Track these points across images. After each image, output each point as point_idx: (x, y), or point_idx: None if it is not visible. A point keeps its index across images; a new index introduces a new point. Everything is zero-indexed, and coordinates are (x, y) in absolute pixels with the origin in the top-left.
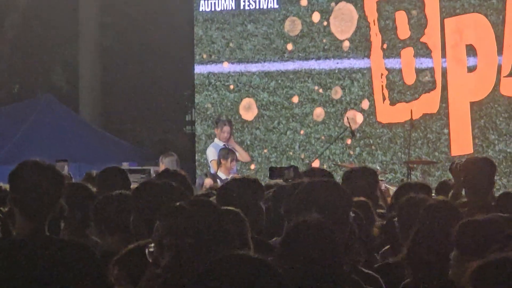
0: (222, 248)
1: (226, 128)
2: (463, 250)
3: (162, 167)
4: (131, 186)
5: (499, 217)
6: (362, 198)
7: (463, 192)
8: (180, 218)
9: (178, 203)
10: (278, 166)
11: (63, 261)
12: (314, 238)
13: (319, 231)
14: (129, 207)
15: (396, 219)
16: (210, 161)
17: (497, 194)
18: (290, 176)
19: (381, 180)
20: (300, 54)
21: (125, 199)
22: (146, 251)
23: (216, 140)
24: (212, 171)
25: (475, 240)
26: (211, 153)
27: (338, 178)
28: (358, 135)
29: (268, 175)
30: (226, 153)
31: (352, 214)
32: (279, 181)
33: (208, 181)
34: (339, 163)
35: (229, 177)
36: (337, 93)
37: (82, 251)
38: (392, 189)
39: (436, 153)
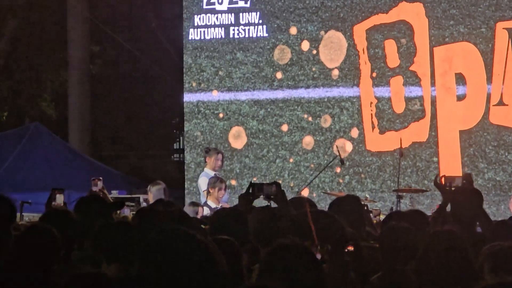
0: (202, 277)
1: (220, 156)
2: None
3: (150, 196)
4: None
5: None
6: (349, 229)
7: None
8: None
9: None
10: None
11: None
12: (292, 260)
13: (296, 253)
14: (129, 236)
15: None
16: (203, 191)
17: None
18: (271, 192)
19: (375, 210)
20: (289, 83)
21: (126, 227)
22: None
23: (206, 169)
24: (204, 200)
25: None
26: (203, 183)
27: (327, 206)
28: (347, 163)
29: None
30: (213, 181)
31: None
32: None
33: (201, 210)
34: (328, 191)
35: (219, 206)
36: (326, 121)
37: None
38: (382, 217)
39: (426, 181)
